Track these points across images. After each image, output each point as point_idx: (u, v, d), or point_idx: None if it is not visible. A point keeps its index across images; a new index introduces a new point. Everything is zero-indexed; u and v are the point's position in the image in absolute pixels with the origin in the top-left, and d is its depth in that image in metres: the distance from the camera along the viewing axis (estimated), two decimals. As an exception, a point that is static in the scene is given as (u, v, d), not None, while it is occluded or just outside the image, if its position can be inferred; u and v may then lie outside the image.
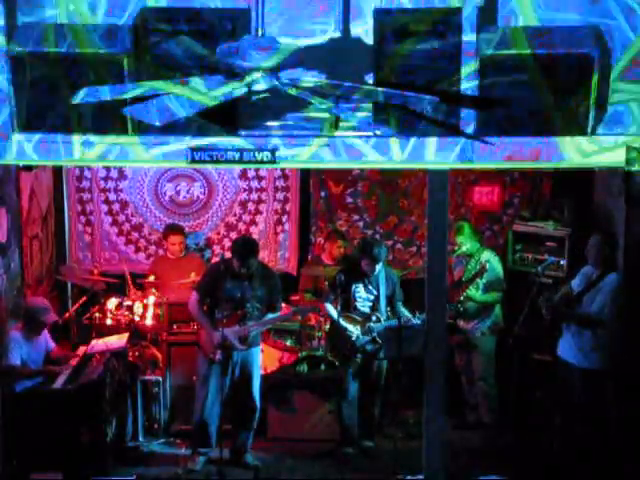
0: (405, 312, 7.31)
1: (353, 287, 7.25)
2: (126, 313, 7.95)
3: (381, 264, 7.19)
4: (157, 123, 4.60)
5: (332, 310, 7.24)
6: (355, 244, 8.67)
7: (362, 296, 7.27)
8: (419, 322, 6.96)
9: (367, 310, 7.27)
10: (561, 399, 6.81)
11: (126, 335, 7.50)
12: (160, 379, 7.57)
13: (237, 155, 5.73)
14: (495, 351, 7.76)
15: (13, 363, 6.61)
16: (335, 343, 7.49)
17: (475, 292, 7.62)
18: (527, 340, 7.15)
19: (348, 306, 7.23)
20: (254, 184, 9.02)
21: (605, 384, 6.54)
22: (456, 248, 7.76)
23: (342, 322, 7.15)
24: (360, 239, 8.61)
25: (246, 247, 6.98)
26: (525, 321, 7.17)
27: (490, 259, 7.66)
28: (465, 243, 7.70)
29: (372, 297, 7.28)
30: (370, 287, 7.27)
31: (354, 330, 7.16)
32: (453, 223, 7.86)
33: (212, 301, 7.02)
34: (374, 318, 7.21)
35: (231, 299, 6.91)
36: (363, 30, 5.56)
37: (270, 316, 7.09)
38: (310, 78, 5.10)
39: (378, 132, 5.64)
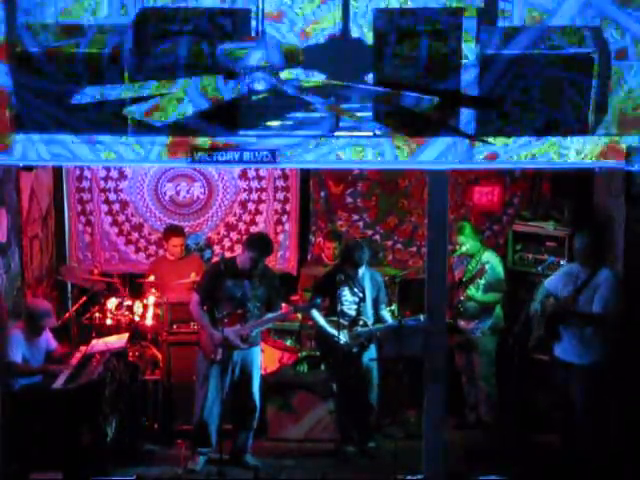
0: (387, 317, 7.31)
1: (339, 290, 7.20)
2: (126, 313, 7.95)
3: (364, 267, 7.17)
4: (157, 123, 4.60)
5: (319, 317, 7.21)
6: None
7: (348, 299, 7.24)
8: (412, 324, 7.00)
9: (353, 313, 7.24)
10: (561, 399, 6.81)
11: (126, 335, 7.51)
12: (160, 379, 7.57)
13: (237, 155, 5.73)
14: (496, 351, 7.75)
15: (14, 360, 6.62)
16: (322, 346, 7.47)
17: (476, 292, 7.62)
18: (527, 340, 7.14)
19: (334, 309, 7.18)
20: (254, 184, 9.02)
21: (604, 380, 6.54)
22: (457, 248, 7.76)
23: (329, 329, 7.13)
24: (345, 243, 8.61)
25: (268, 244, 6.99)
26: (525, 321, 7.18)
27: (491, 259, 7.66)
28: (466, 243, 7.70)
29: (357, 299, 7.26)
30: (355, 289, 7.24)
31: (342, 336, 7.13)
32: (453, 223, 7.86)
33: (212, 301, 7.02)
34: (361, 322, 7.20)
35: (231, 298, 6.91)
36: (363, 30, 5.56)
37: (270, 315, 7.09)
38: (310, 78, 5.11)
39: (378, 132, 5.64)
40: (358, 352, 7.21)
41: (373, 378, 7.30)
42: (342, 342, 7.11)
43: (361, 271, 7.15)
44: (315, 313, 7.23)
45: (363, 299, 7.24)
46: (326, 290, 7.21)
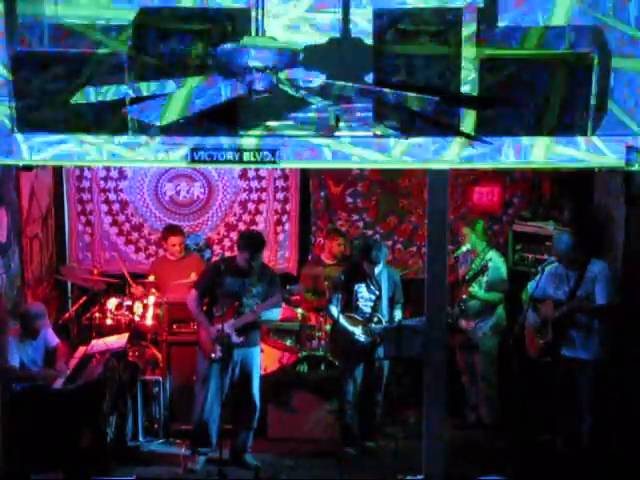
0: (399, 315, 7.31)
1: (355, 287, 7.25)
2: (126, 313, 7.95)
3: (381, 265, 7.20)
4: (157, 123, 4.59)
5: (336, 313, 7.23)
6: (353, 244, 8.67)
7: (364, 296, 7.28)
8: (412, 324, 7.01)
9: (369, 310, 7.27)
10: (563, 399, 6.82)
11: (126, 335, 7.51)
12: (160, 379, 7.57)
13: (237, 155, 5.73)
14: (497, 351, 7.74)
15: (11, 365, 6.62)
16: (337, 343, 7.48)
17: (478, 290, 7.61)
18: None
19: (350, 306, 7.23)
20: (254, 184, 9.02)
21: (610, 373, 6.56)
22: (462, 248, 7.76)
23: (345, 324, 7.14)
24: (359, 238, 8.62)
25: (256, 240, 7.02)
26: (525, 321, 7.17)
27: (494, 259, 7.63)
28: (471, 239, 7.65)
29: (374, 297, 7.29)
30: (372, 287, 7.28)
31: (356, 331, 7.16)
32: (453, 223, 7.86)
33: (211, 299, 7.04)
34: (375, 319, 7.22)
35: (230, 296, 6.93)
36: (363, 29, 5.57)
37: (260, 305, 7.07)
38: (310, 78, 5.10)
39: (378, 132, 5.64)
40: (372, 349, 7.23)
41: (384, 375, 7.33)
42: (359, 337, 7.13)
43: (378, 269, 7.18)
44: (332, 308, 7.25)
45: (379, 297, 7.26)
46: (343, 286, 7.22)
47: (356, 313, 7.24)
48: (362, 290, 7.28)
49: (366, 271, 7.21)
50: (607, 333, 6.59)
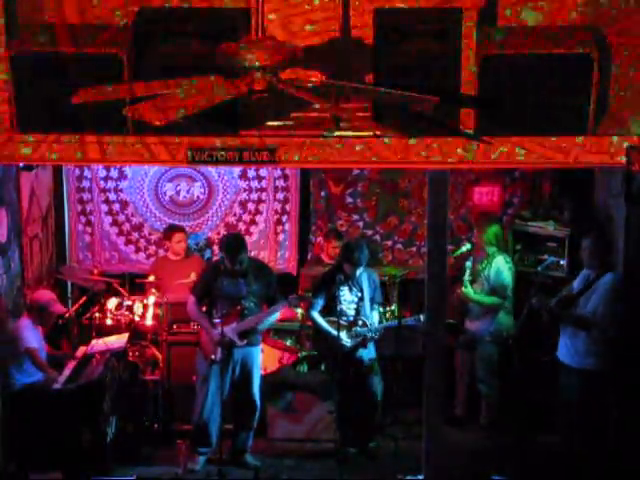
0: (375, 317, 7.27)
1: (338, 289, 7.16)
2: (126, 313, 7.95)
3: (362, 268, 7.15)
4: (157, 123, 4.59)
5: (321, 320, 7.18)
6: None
7: (347, 298, 7.21)
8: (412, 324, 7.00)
9: (352, 312, 7.22)
10: (561, 400, 6.82)
11: (126, 335, 7.51)
12: (160, 379, 7.57)
13: (237, 155, 5.73)
14: (496, 357, 7.65)
15: (31, 346, 6.65)
16: (322, 350, 7.46)
17: (473, 293, 7.56)
18: (527, 340, 7.14)
19: (332, 309, 7.13)
20: (254, 184, 9.02)
21: (602, 385, 6.54)
22: (462, 248, 7.74)
23: (330, 329, 7.09)
24: (357, 238, 8.59)
25: (234, 243, 7.00)
26: (525, 321, 7.17)
27: (499, 264, 7.53)
28: (487, 241, 7.58)
29: (356, 299, 7.23)
30: (354, 289, 7.23)
31: (342, 335, 7.08)
32: (453, 223, 7.84)
33: (209, 300, 7.04)
34: (360, 322, 7.19)
35: (227, 297, 6.93)
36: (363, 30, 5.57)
37: (265, 311, 7.08)
38: (310, 78, 5.11)
39: (378, 132, 5.64)
40: (357, 352, 7.21)
41: (376, 377, 7.28)
42: (345, 343, 7.08)
43: (359, 271, 7.14)
44: (315, 314, 7.22)
45: (362, 298, 7.23)
46: (325, 290, 7.20)
47: (340, 316, 7.06)
48: (344, 292, 7.19)
49: (347, 273, 7.15)
50: (594, 343, 6.54)
